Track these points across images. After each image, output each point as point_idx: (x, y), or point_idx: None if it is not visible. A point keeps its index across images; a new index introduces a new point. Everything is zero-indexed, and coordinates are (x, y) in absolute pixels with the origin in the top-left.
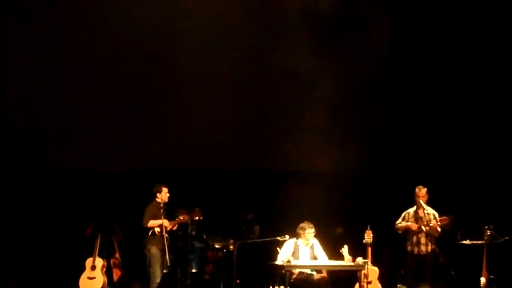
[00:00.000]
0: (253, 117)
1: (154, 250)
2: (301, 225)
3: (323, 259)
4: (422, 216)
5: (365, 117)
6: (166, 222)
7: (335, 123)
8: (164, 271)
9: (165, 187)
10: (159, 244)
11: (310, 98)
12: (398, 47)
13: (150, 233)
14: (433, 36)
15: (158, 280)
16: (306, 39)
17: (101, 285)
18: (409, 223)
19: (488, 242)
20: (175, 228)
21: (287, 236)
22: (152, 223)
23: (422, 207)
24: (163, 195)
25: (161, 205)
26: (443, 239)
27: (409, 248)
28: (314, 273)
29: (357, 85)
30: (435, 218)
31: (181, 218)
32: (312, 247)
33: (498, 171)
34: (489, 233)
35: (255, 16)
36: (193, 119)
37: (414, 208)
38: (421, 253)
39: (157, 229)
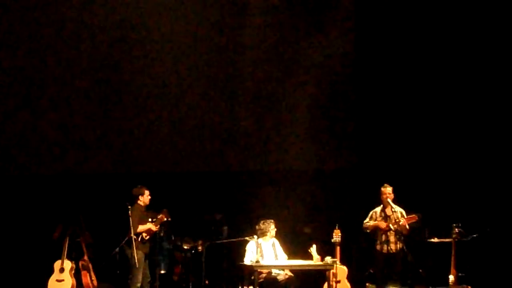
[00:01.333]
0: (222, 118)
1: (139, 255)
2: (260, 223)
3: (283, 258)
4: (389, 215)
5: (333, 117)
6: (153, 227)
7: (303, 123)
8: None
9: (146, 189)
10: (145, 248)
11: (279, 100)
12: (365, 46)
13: (139, 239)
14: (400, 33)
15: (139, 284)
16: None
17: (69, 287)
18: (377, 222)
19: (456, 240)
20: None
21: (255, 236)
22: (141, 228)
23: (390, 205)
24: (145, 198)
25: (144, 207)
26: (411, 237)
27: (378, 247)
28: (282, 272)
29: (326, 85)
30: (402, 216)
31: (160, 219)
32: (273, 245)
33: (466, 169)
34: (457, 231)
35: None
36: (162, 121)
37: (381, 207)
38: (391, 251)
39: (144, 234)
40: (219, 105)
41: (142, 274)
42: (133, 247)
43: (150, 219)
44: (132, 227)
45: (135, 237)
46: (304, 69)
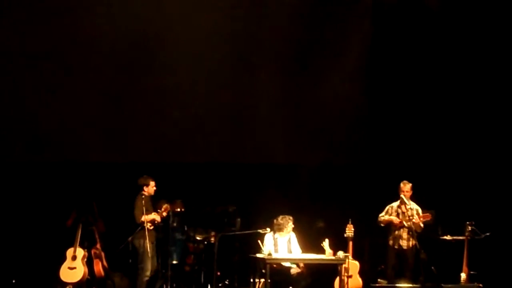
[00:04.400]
0: (237, 109)
1: (147, 245)
2: (279, 218)
3: (297, 253)
4: (405, 211)
5: (350, 111)
6: (157, 217)
7: (319, 117)
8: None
9: (152, 180)
10: (152, 237)
11: (296, 94)
12: (379, 41)
13: (140, 228)
14: (412, 28)
15: (148, 272)
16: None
17: (81, 275)
18: (392, 217)
19: (469, 238)
20: (163, 216)
21: (268, 229)
22: (144, 218)
23: (405, 202)
24: (150, 189)
25: (149, 197)
26: (424, 235)
27: (390, 242)
28: (294, 266)
29: (342, 78)
30: (418, 213)
31: (163, 210)
32: (289, 241)
33: (481, 167)
34: (470, 229)
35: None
36: (177, 112)
37: (398, 202)
38: (403, 247)
39: (148, 224)
40: (236, 95)
41: (153, 264)
42: (145, 236)
43: (159, 210)
44: (135, 216)
45: (149, 225)
46: (321, 65)
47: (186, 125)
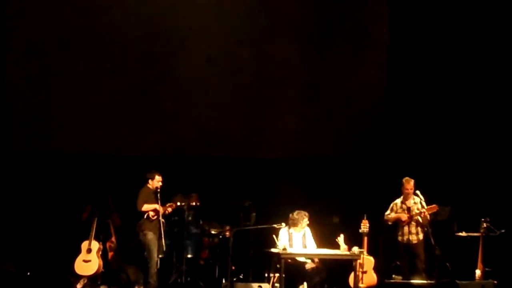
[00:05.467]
0: (254, 105)
1: (150, 236)
2: (294, 214)
3: (312, 248)
4: (410, 206)
5: (367, 106)
6: (160, 208)
7: (335, 111)
8: (160, 256)
9: (159, 175)
10: (155, 229)
11: (309, 88)
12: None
13: (145, 217)
14: (421, 27)
15: (155, 264)
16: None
17: (96, 268)
18: (399, 214)
19: (484, 234)
20: (168, 212)
21: (283, 224)
22: (146, 207)
23: (409, 197)
24: (155, 182)
25: (154, 190)
26: (439, 231)
27: (399, 238)
28: (308, 261)
29: (352, 77)
30: (423, 206)
31: (173, 204)
32: (304, 236)
33: (496, 163)
34: (485, 226)
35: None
36: (193, 106)
37: (401, 198)
38: (412, 242)
39: (151, 213)
40: (252, 89)
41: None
42: (148, 227)
43: (178, 203)
44: (137, 205)
45: (151, 215)
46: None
47: (202, 119)
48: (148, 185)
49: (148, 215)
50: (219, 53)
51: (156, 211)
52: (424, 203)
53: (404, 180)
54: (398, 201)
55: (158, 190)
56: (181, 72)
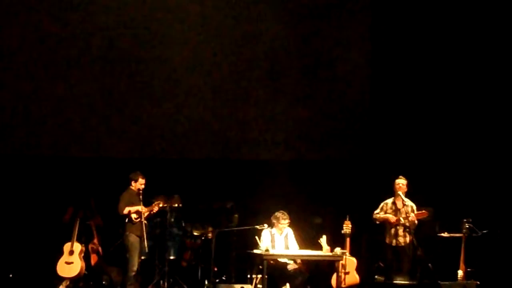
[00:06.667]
0: (234, 106)
1: (132, 238)
2: (275, 214)
3: (295, 249)
4: (400, 208)
5: (346, 106)
6: (143, 208)
7: (316, 112)
8: (142, 258)
9: (142, 178)
10: (137, 231)
11: (289, 87)
12: (380, 35)
13: (127, 220)
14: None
15: (135, 267)
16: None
17: (78, 270)
18: (387, 215)
19: (466, 235)
20: (154, 212)
21: (265, 225)
22: (128, 209)
23: (402, 199)
24: (138, 184)
25: (137, 192)
26: (422, 231)
27: (387, 240)
28: (291, 262)
29: (337, 75)
30: (413, 210)
31: (160, 202)
32: (286, 237)
33: (478, 165)
34: (467, 226)
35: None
36: (175, 108)
37: (392, 199)
38: (399, 244)
39: (134, 216)
40: (233, 91)
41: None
42: (131, 229)
43: (160, 204)
44: (118, 208)
45: (134, 217)
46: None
47: (184, 121)
48: (131, 187)
49: (130, 218)
50: (200, 53)
51: (138, 212)
52: (414, 208)
53: (397, 179)
54: (389, 201)
55: (141, 191)
56: (163, 73)
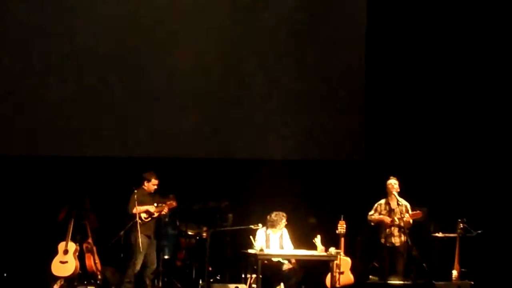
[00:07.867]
0: (229, 105)
1: (143, 238)
2: (272, 215)
3: (289, 249)
4: (394, 208)
5: (340, 107)
6: (152, 208)
7: (309, 112)
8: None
9: (155, 178)
10: (146, 231)
11: (285, 86)
12: (375, 36)
13: (137, 219)
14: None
15: (138, 266)
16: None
17: (73, 269)
18: (382, 216)
19: (460, 235)
20: (164, 213)
21: (260, 225)
22: (138, 209)
23: (396, 199)
24: (150, 185)
25: (149, 192)
26: (416, 232)
27: (382, 240)
28: (285, 262)
29: (333, 75)
30: (407, 210)
31: (172, 203)
32: (281, 237)
33: (473, 165)
34: (462, 226)
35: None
36: (170, 108)
37: (386, 199)
38: (395, 245)
39: (144, 215)
40: (228, 90)
41: (149, 261)
42: (137, 229)
43: (156, 204)
44: (129, 208)
45: (144, 216)
46: (315, 60)
47: (178, 120)
48: (144, 187)
49: (140, 217)
50: (192, 54)
51: (149, 212)
52: (409, 207)
53: (388, 179)
54: (383, 201)
55: (152, 192)
56: (160, 73)
